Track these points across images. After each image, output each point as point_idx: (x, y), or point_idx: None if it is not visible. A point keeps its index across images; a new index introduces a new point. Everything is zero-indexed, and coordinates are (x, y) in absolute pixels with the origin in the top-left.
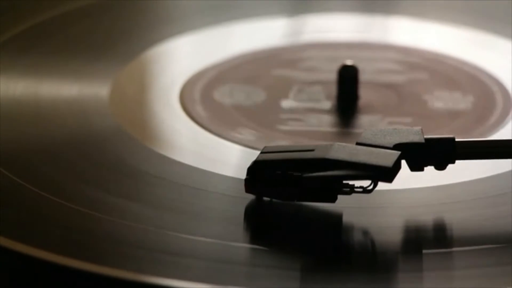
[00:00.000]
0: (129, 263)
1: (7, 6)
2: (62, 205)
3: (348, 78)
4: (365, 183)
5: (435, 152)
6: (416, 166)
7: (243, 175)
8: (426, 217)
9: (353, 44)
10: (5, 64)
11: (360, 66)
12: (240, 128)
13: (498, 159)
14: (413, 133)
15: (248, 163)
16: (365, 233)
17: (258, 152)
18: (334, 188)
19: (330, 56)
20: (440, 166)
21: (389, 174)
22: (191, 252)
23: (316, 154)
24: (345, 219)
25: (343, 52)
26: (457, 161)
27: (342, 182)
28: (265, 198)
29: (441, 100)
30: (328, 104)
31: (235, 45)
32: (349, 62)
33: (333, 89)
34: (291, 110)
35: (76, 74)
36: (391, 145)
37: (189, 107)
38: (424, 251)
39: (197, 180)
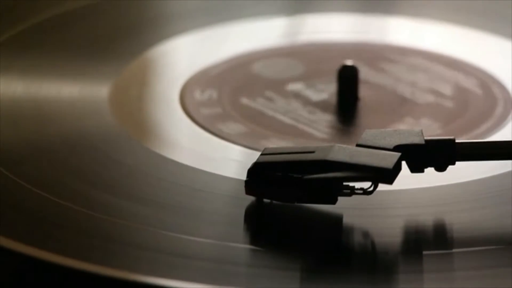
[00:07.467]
0: (129, 264)
1: (6, 6)
2: (61, 205)
3: (348, 78)
4: (366, 184)
5: (435, 154)
6: (416, 168)
7: (243, 176)
8: (426, 217)
9: (352, 44)
10: (5, 64)
11: (360, 66)
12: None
13: (498, 160)
14: (413, 135)
15: (248, 164)
16: (365, 234)
17: (258, 153)
18: (335, 190)
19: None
20: (440, 168)
21: (389, 175)
22: (191, 253)
23: (317, 156)
24: (345, 219)
25: (343, 52)
26: (457, 162)
27: (342, 183)
28: (266, 200)
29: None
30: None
31: (234, 45)
32: (349, 62)
33: (333, 89)
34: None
35: (76, 74)
36: (391, 147)
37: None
38: (424, 252)
39: (197, 180)
